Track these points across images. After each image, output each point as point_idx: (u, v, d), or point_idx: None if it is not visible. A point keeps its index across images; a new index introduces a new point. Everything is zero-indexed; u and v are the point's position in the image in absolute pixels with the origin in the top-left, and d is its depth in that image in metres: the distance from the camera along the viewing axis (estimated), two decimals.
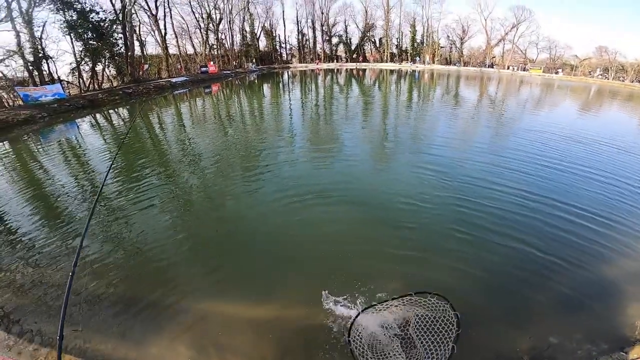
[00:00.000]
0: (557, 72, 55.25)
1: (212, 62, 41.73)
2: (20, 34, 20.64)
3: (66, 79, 25.92)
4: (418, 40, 64.66)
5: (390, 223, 5.65)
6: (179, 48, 41.89)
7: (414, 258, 4.74)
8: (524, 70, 57.68)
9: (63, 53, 25.19)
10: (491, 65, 62.09)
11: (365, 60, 66.29)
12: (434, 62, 62.49)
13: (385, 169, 8.44)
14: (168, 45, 38.54)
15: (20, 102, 18.62)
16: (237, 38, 55.38)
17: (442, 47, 66.81)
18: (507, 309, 3.98)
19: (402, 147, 10.10)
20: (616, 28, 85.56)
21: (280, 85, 34.83)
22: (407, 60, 64.06)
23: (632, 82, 47.81)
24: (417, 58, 62.60)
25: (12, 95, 20.01)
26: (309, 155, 9.57)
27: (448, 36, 66.93)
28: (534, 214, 5.93)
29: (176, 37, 41.45)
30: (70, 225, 5.79)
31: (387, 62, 64.33)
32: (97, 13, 25.68)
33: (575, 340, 3.57)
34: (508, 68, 60.11)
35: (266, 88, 31.59)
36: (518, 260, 4.77)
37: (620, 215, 5.91)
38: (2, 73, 20.72)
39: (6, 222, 5.99)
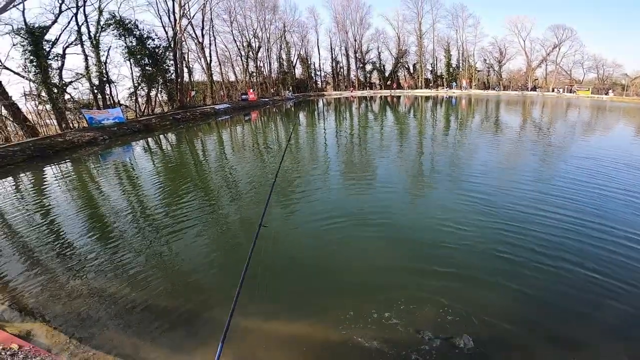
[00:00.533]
0: (607, 93, 51.92)
1: (251, 90, 44.05)
2: (89, 57, 23.19)
3: (124, 103, 28.51)
4: (453, 65, 64.16)
5: (429, 248, 5.46)
6: (221, 75, 45.02)
7: (454, 280, 4.53)
8: (570, 92, 54.88)
9: (123, 78, 27.89)
10: (534, 88, 59.80)
11: (399, 86, 66.58)
12: (471, 87, 61.38)
13: (423, 196, 8.18)
14: (212, 72, 41.56)
15: (85, 124, 20.57)
16: (275, 66, 58.50)
17: (479, 71, 65.75)
18: (554, 334, 3.69)
19: (441, 175, 9.78)
20: None
21: (316, 113, 35.77)
22: (443, 85, 63.49)
23: None
24: (454, 83, 61.85)
25: (77, 117, 22.20)
26: (344, 182, 9.59)
27: (485, 59, 65.92)
28: (584, 238, 5.49)
29: (219, 64, 44.72)
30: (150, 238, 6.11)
31: (421, 88, 64.17)
32: (153, 40, 28.18)
33: None
34: (553, 90, 57.53)
35: (302, 116, 32.56)
36: (567, 284, 4.44)
37: None
38: (70, 95, 22.96)
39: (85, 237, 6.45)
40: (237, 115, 32.09)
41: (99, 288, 4.72)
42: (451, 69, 63.73)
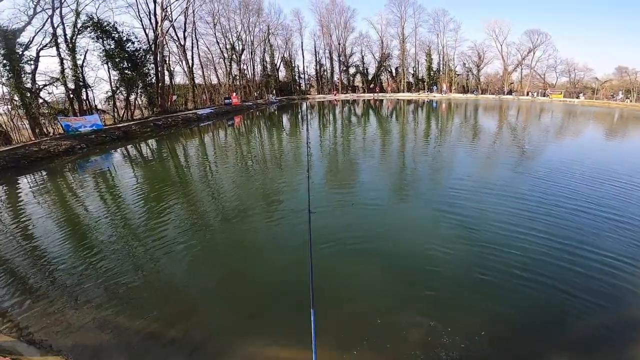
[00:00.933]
0: (578, 97, 54.47)
1: (234, 94, 43.68)
2: (64, 60, 22.30)
3: (102, 108, 27.56)
4: (434, 69, 65.67)
5: (408, 268, 5.67)
6: (204, 78, 44.40)
7: (434, 304, 4.74)
8: (543, 96, 57.16)
9: (100, 81, 26.64)
10: (510, 92, 61.91)
11: (382, 90, 67.51)
12: (451, 91, 62.94)
13: (403, 211, 8.39)
14: (194, 75, 40.93)
15: (60, 130, 19.86)
16: (258, 69, 58.18)
17: (458, 74, 67.49)
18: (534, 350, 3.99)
19: (421, 191, 10.05)
20: (635, 46, 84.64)
21: (300, 116, 36.02)
22: (424, 89, 64.85)
23: None
24: (435, 87, 63.30)
25: (52, 123, 21.30)
26: (325, 191, 9.87)
27: (464, 63, 67.71)
28: (557, 258, 5.81)
29: (202, 67, 44.07)
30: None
31: (404, 91, 65.33)
32: (133, 43, 27.27)
33: None
34: (527, 94, 59.72)
35: (285, 120, 32.76)
36: (545, 303, 4.77)
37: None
38: (44, 100, 21.91)
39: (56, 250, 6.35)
40: (220, 120, 31.84)
41: (96, 314, 4.71)
42: (432, 72, 65.22)
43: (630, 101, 50.05)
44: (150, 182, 11.53)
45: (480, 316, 4.51)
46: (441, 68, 65.80)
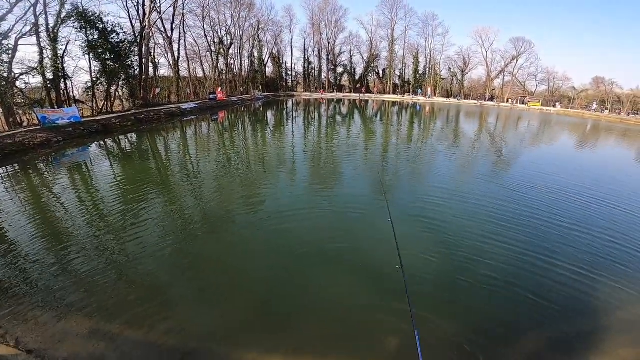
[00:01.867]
0: (554, 106, 56.69)
1: (220, 89, 43.21)
2: (44, 50, 21.36)
3: (80, 99, 26.68)
4: (420, 72, 66.80)
5: (388, 276, 5.84)
6: (189, 71, 43.64)
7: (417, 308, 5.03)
8: (522, 104, 59.18)
9: (79, 71, 25.42)
10: (491, 98, 63.71)
11: (368, 90, 68.16)
12: (435, 95, 64.20)
13: (381, 223, 8.61)
14: (179, 68, 40.16)
15: (35, 120, 19.16)
16: (246, 63, 57.65)
17: (443, 79, 68.86)
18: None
19: (399, 193, 10.60)
20: (612, 57, 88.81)
21: (285, 113, 36.21)
22: (409, 92, 65.89)
23: (628, 114, 49.04)
24: (419, 90, 64.40)
25: (27, 114, 20.56)
26: (306, 191, 10.17)
27: (450, 68, 69.22)
28: (531, 265, 6.22)
29: (188, 60, 43.27)
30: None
31: (389, 93, 66.22)
32: (118, 34, 26.47)
33: None
34: (507, 101, 61.70)
35: (270, 116, 32.85)
36: (516, 310, 5.14)
37: (607, 265, 6.24)
38: (20, 90, 21.00)
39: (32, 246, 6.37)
40: (205, 115, 31.53)
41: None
42: (418, 75, 66.34)
43: (604, 112, 52.55)
44: (130, 178, 11.42)
45: (455, 322, 4.83)
46: (427, 71, 67.01)
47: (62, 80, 23.49)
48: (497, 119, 37.85)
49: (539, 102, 58.06)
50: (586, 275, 6.08)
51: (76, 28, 23.41)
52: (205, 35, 45.67)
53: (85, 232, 7.11)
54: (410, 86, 66.54)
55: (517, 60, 64.31)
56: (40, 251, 6.35)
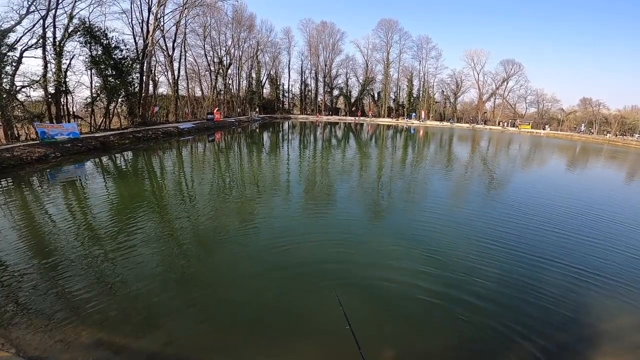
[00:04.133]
0: (544, 128, 58.21)
1: (217, 109, 43.89)
2: (49, 64, 21.41)
3: (79, 115, 26.69)
4: (414, 95, 68.54)
5: (371, 300, 5.95)
6: (188, 90, 44.35)
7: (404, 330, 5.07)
8: (513, 126, 60.71)
9: (80, 86, 25.38)
10: (485, 122, 65.30)
11: (363, 113, 69.51)
12: (428, 118, 65.64)
13: (374, 241, 8.66)
14: (178, 87, 40.76)
15: (33, 134, 19.19)
16: (244, 84, 58.83)
17: (436, 102, 70.70)
18: None
19: (393, 215, 10.82)
20: (598, 76, 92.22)
21: (281, 135, 36.80)
22: (404, 115, 67.32)
23: (616, 135, 50.51)
24: (413, 114, 65.85)
25: (25, 127, 20.41)
26: (300, 213, 10.32)
27: (443, 91, 71.32)
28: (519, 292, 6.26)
29: (187, 79, 44.12)
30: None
31: (384, 117, 67.58)
32: (121, 50, 26.72)
33: None
34: (499, 124, 63.32)
35: (266, 138, 33.37)
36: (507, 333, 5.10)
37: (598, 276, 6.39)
38: (21, 102, 20.78)
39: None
40: (202, 135, 31.89)
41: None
42: (412, 98, 68.01)
43: (592, 133, 54.03)
44: (125, 197, 11.47)
45: (444, 342, 4.97)
46: (421, 94, 68.78)
47: (64, 94, 23.50)
48: (489, 142, 38.76)
49: (529, 124, 59.63)
50: (579, 294, 6.27)
51: (81, 43, 23.64)
52: (206, 54, 46.87)
53: (80, 251, 7.11)
54: (405, 109, 68.06)
55: (507, 83, 66.68)
56: (35, 267, 6.38)
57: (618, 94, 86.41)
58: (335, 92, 71.45)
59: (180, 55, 40.79)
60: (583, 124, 57.18)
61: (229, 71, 52.38)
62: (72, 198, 11.32)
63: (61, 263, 6.50)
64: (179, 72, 40.80)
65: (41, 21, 20.78)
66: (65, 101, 24.13)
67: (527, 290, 6.34)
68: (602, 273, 7.09)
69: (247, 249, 7.65)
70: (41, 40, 21.00)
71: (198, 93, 48.31)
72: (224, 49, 50.35)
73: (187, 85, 44.51)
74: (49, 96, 22.29)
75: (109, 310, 5.20)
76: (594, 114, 59.01)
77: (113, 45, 25.92)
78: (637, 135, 48.87)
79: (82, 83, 25.49)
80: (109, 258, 6.82)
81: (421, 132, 47.43)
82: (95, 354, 4.37)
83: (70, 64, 23.26)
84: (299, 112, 68.63)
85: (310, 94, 70.31)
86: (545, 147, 37.06)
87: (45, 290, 5.64)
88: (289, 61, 67.54)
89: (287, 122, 53.86)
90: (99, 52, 24.91)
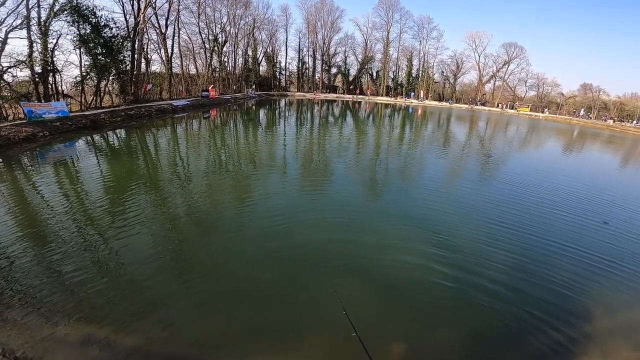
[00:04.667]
0: (543, 111, 57.80)
1: (212, 86, 42.92)
2: (34, 44, 20.77)
3: (68, 93, 26.18)
4: (414, 75, 67.36)
5: (369, 276, 5.96)
6: (182, 68, 43.21)
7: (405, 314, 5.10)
8: (512, 109, 60.16)
9: (69, 65, 24.98)
10: (483, 103, 64.59)
11: (361, 92, 68.46)
12: (427, 98, 64.82)
13: (375, 220, 8.61)
14: (172, 64, 39.66)
15: (21, 114, 18.79)
16: (239, 62, 57.34)
17: (436, 82, 69.59)
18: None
19: (391, 194, 10.75)
20: (601, 64, 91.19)
21: (277, 112, 36.28)
22: (402, 94, 66.40)
23: (614, 121, 50.34)
24: (412, 93, 64.95)
25: (12, 107, 20.04)
26: (297, 191, 10.19)
27: (442, 72, 70.05)
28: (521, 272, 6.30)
29: (181, 56, 42.86)
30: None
31: (382, 95, 66.60)
32: (111, 28, 26.10)
33: None
34: (498, 106, 62.67)
35: (263, 115, 32.89)
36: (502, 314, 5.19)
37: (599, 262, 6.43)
38: (7, 83, 20.33)
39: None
40: (197, 112, 31.31)
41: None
42: (411, 78, 66.86)
43: (590, 118, 53.81)
44: (118, 176, 11.26)
45: (448, 327, 4.92)
46: (420, 74, 67.58)
47: (51, 74, 22.99)
48: (487, 123, 38.45)
49: (528, 107, 59.07)
50: (585, 277, 6.25)
51: (68, 22, 22.90)
52: (200, 32, 45.25)
53: (71, 232, 6.93)
54: (403, 89, 67.04)
55: (508, 66, 65.46)
56: (23, 251, 6.15)
57: (619, 81, 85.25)
58: (333, 71, 70.07)
59: (174, 33, 39.42)
60: (582, 109, 56.76)
61: (225, 49, 50.84)
62: (63, 177, 11.09)
63: (51, 247, 6.27)
64: (172, 49, 39.56)
65: (25, 1, 19.93)
66: (53, 80, 23.64)
67: (540, 275, 6.22)
68: (616, 260, 7.01)
69: (244, 230, 7.53)
70: (26, 20, 20.24)
71: (193, 71, 47.13)
72: (219, 26, 48.59)
73: (181, 63, 43.26)
74: (36, 76, 21.73)
75: (100, 299, 4.95)
76: (594, 99, 58.51)
77: (102, 24, 25.20)
78: (635, 122, 48.62)
79: (71, 62, 25.06)
80: (102, 242, 6.63)
81: (420, 111, 46.92)
82: (87, 347, 4.14)
83: (57, 43, 22.64)
84: (296, 90, 67.32)
85: (307, 71, 68.82)
86: (545, 129, 36.87)
87: (34, 277, 5.39)
88: (286, 39, 65.70)
89: (283, 100, 52.94)
90: (88, 31, 24.19)
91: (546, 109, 59.22)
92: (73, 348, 4.12)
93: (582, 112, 55.77)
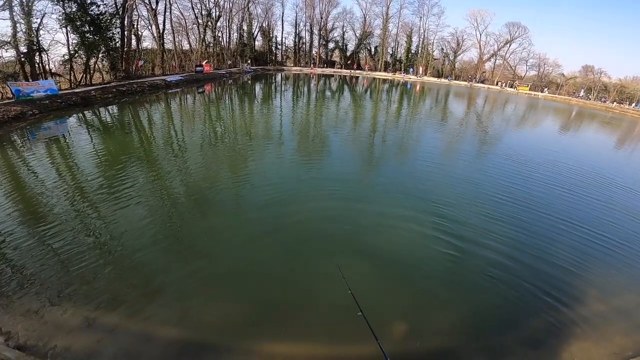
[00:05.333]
0: (542, 91, 57.15)
1: (206, 62, 41.71)
2: (18, 24, 20.01)
3: (57, 72, 25.56)
4: (413, 51, 65.79)
5: (365, 248, 6.01)
6: (174, 44, 41.75)
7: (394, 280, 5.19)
8: (511, 87, 59.40)
9: (55, 44, 23.99)
10: (482, 81, 63.59)
11: (359, 67, 67.04)
12: (426, 74, 63.67)
13: (375, 195, 8.59)
14: (164, 40, 38.32)
15: (9, 95, 18.35)
16: (234, 36, 55.41)
17: (435, 59, 68.11)
18: (477, 342, 4.48)
19: (394, 169, 10.70)
20: (604, 46, 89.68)
21: (274, 87, 35.63)
22: (401, 70, 65.13)
23: (613, 103, 50.05)
24: (411, 69, 63.72)
25: (1, 88, 19.47)
26: (295, 166, 10.17)
27: (442, 49, 68.38)
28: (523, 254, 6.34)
29: (173, 32, 41.24)
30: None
31: (381, 71, 65.25)
32: (98, 6, 25.15)
33: None
34: (497, 84, 61.78)
35: (259, 90, 32.35)
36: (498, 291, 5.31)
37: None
38: None
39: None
40: (191, 87, 30.63)
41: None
42: (410, 54, 65.34)
43: (590, 99, 53.38)
44: (113, 153, 11.05)
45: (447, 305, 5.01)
46: (419, 51, 66.01)
47: (38, 53, 22.27)
48: (485, 100, 38.06)
49: (528, 86, 58.34)
50: (580, 260, 6.29)
51: (52, 1, 21.99)
52: (193, 7, 43.37)
53: (68, 213, 6.79)
54: (402, 65, 65.67)
55: (510, 45, 63.94)
56: (20, 234, 6.01)
57: (620, 64, 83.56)
58: (331, 45, 68.20)
59: (165, 8, 37.65)
60: (582, 90, 56.15)
61: (219, 24, 48.88)
62: (56, 155, 10.86)
63: (50, 231, 6.09)
64: (164, 25, 37.91)
65: None
66: (40, 59, 22.91)
67: (540, 249, 6.33)
68: (617, 239, 7.10)
69: (243, 205, 7.46)
70: (7, 2, 19.32)
71: (186, 46, 45.46)
72: (212, 0, 46.50)
73: (174, 39, 41.63)
74: (22, 55, 21.02)
75: (101, 281, 4.88)
76: (594, 81, 57.73)
77: (89, 1, 24.25)
78: (634, 105, 48.25)
79: (57, 41, 24.11)
80: (99, 221, 6.51)
81: (418, 87, 46.26)
82: (89, 330, 4.10)
83: (42, 22, 21.77)
84: (292, 65, 65.67)
85: (304, 46, 66.87)
86: (544, 108, 36.59)
87: (33, 259, 5.28)
88: (283, 13, 63.37)
89: (280, 74, 51.76)
90: (74, 9, 23.33)
91: (546, 89, 58.50)
92: (76, 332, 4.09)
93: (581, 93, 55.22)
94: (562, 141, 19.24)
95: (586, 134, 22.97)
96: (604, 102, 51.10)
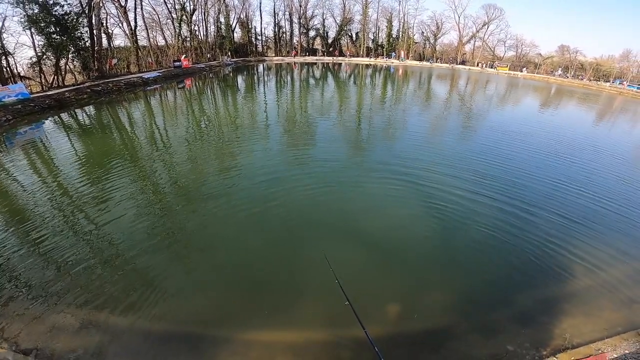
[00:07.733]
0: (521, 70, 58.12)
1: (184, 56, 40.41)
2: None
3: (25, 74, 24.42)
4: (394, 36, 65.72)
5: (354, 233, 6.07)
6: (149, 40, 40.21)
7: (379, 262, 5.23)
8: (491, 68, 60.16)
9: (21, 46, 23.13)
10: (463, 62, 64.15)
11: (341, 54, 66.57)
12: (408, 58, 63.78)
13: (361, 182, 8.58)
14: (138, 37, 36.93)
15: None
16: (212, 29, 53.82)
17: (416, 42, 68.27)
18: (468, 321, 4.53)
19: (374, 153, 10.68)
20: (579, 26, 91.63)
21: (255, 78, 35.06)
22: (383, 55, 65.02)
23: (590, 80, 51.35)
24: (393, 53, 63.71)
25: None
26: (281, 156, 10.09)
27: (422, 32, 68.56)
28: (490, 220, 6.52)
29: (146, 28, 39.67)
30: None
31: (363, 56, 64.96)
32: (62, 6, 24.08)
33: (524, 348, 4.21)
34: (478, 65, 62.48)
35: (241, 81, 31.85)
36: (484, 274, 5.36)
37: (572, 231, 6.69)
38: None
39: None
40: (170, 83, 29.68)
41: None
42: (391, 39, 65.26)
43: (567, 77, 54.57)
44: (95, 154, 10.65)
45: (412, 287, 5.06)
46: (400, 35, 65.96)
47: (4, 57, 21.22)
48: (467, 81, 38.43)
49: (507, 66, 59.18)
50: (567, 237, 6.38)
51: (12, 3, 20.95)
52: (165, 1, 41.77)
53: (57, 217, 6.60)
54: (384, 49, 65.54)
55: (487, 27, 64.65)
56: (13, 241, 5.85)
57: (595, 43, 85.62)
58: (312, 34, 67.23)
59: (135, 4, 36.15)
60: (560, 68, 57.35)
61: (194, 17, 47.25)
62: (36, 160, 10.37)
63: (41, 237, 5.91)
64: (135, 22, 36.44)
65: None
66: (7, 63, 21.88)
67: (530, 227, 6.42)
68: (595, 222, 7.07)
69: (231, 198, 7.37)
70: None
71: (161, 42, 43.84)
72: None
73: (148, 35, 40.05)
74: None
75: (96, 282, 4.84)
76: (571, 60, 58.99)
77: (51, 2, 23.22)
78: (611, 82, 49.55)
79: (22, 44, 23.19)
80: (88, 222, 6.34)
81: (401, 70, 46.31)
82: (87, 331, 4.07)
83: (3, 25, 20.95)
84: (273, 55, 64.53)
85: (285, 35, 65.69)
86: (524, 87, 37.20)
87: (26, 268, 5.12)
88: (260, 3, 62.21)
89: (261, 65, 50.81)
90: (35, 11, 22.37)
91: (524, 69, 59.47)
92: (73, 333, 4.05)
93: (559, 72, 56.37)
94: (545, 114, 19.64)
95: (567, 108, 23.50)
96: (581, 79, 52.29)
